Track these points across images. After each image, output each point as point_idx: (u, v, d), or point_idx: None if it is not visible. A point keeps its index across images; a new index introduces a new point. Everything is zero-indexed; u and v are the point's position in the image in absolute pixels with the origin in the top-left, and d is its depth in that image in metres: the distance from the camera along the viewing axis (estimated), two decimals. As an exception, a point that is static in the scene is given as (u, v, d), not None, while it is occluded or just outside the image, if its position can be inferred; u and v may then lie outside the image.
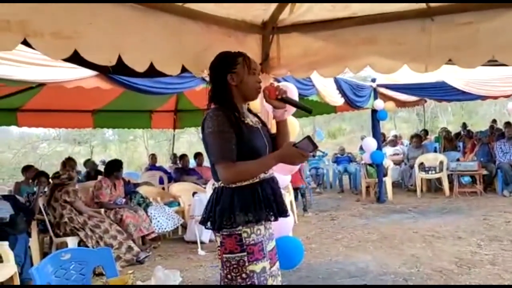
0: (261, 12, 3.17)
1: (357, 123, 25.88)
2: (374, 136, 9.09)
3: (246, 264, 2.02)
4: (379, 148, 8.97)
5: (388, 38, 3.11)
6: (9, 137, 20.19)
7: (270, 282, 2.10)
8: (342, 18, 3.16)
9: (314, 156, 11.54)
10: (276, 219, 2.14)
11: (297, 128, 3.99)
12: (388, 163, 9.53)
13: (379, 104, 8.82)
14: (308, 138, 1.96)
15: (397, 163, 10.38)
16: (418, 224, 6.51)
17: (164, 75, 2.87)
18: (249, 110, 2.27)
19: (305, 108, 2.19)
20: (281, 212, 2.15)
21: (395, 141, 11.87)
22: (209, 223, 2.09)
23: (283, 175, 3.67)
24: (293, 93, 3.58)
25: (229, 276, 2.05)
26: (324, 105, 7.91)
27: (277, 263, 2.25)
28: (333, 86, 7.35)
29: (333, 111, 10.08)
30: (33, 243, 5.06)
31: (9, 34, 1.94)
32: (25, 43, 2.04)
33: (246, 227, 2.03)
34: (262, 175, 2.09)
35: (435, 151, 10.75)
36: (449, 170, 8.94)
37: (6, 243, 4.23)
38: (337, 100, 7.56)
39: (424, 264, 4.60)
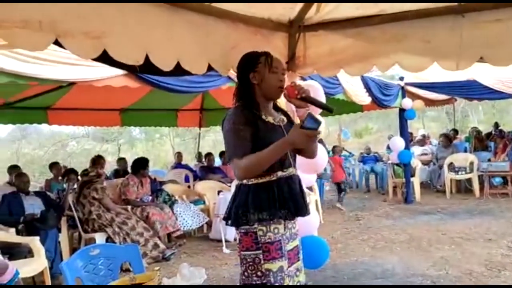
0: (287, 11, 3.15)
1: (384, 122, 25.54)
2: (402, 135, 8.94)
3: (262, 262, 2.05)
4: (407, 147, 8.82)
5: (417, 36, 3.05)
6: (40, 135, 20.73)
7: (286, 282, 2.10)
8: (370, 15, 3.12)
9: (339, 155, 11.44)
10: (292, 218, 2.14)
11: (323, 127, 3.96)
12: (416, 163, 9.37)
13: (407, 103, 8.67)
14: (310, 115, 1.93)
15: (425, 163, 10.20)
16: (447, 226, 6.38)
17: (190, 74, 2.88)
18: (277, 108, 2.27)
19: (327, 107, 2.16)
20: (299, 211, 2.14)
21: (423, 141, 11.68)
22: (229, 220, 2.15)
23: (307, 174, 3.65)
24: (318, 92, 3.55)
25: (245, 273, 2.09)
26: (350, 104, 7.83)
27: (297, 264, 2.23)
28: (360, 84, 7.27)
29: (360, 110, 9.98)
30: (63, 238, 5.17)
31: (41, 34, 1.99)
32: (56, 42, 2.08)
33: (262, 225, 2.05)
34: (280, 173, 2.10)
35: (465, 151, 10.50)
36: (480, 170, 8.74)
37: (37, 238, 4.34)
38: (364, 99, 7.48)
39: (453, 267, 4.50)
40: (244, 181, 2.11)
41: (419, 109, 9.42)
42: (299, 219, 2.24)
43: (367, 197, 9.96)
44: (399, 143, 8.69)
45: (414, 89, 9.02)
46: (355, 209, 8.36)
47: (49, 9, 2.00)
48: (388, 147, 10.70)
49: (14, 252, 4.27)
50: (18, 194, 5.25)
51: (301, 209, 2.15)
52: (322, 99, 3.61)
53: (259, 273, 2.05)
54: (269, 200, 2.05)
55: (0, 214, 4.98)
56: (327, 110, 2.15)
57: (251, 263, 2.07)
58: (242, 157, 1.98)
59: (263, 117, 2.12)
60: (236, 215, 2.09)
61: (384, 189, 10.11)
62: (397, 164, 9.06)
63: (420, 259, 4.85)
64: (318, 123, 1.91)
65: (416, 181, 8.97)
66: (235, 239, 5.86)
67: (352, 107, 8.87)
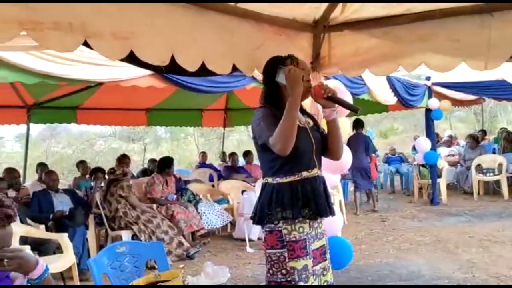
0: (312, 11, 3.14)
1: (410, 123, 25.10)
2: (428, 136, 8.80)
3: (287, 260, 2.08)
4: (433, 148, 8.68)
5: (445, 35, 3.00)
6: (69, 134, 21.16)
7: (311, 280, 2.12)
8: (397, 15, 3.08)
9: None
10: (315, 218, 2.15)
11: (347, 127, 3.94)
12: (442, 164, 9.20)
13: (433, 103, 8.53)
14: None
15: (452, 164, 10.00)
16: (475, 228, 6.25)
17: (215, 74, 2.91)
18: (302, 111, 2.29)
19: (353, 107, 2.17)
20: (321, 211, 2.14)
21: (450, 142, 11.46)
22: (253, 218, 2.21)
23: (332, 174, 3.64)
24: (343, 92, 3.54)
25: (270, 271, 2.13)
26: (375, 104, 7.75)
27: (324, 263, 2.24)
28: (385, 84, 7.18)
29: (385, 110, 9.86)
30: (90, 235, 5.27)
31: (71, 35, 2.04)
32: (85, 43, 2.14)
33: (286, 224, 2.09)
34: (305, 174, 2.13)
35: (494, 152, 10.26)
36: (509, 172, 8.53)
37: (66, 234, 4.45)
38: (389, 99, 7.39)
39: (480, 270, 4.41)
40: (269, 180, 2.15)
41: (446, 110, 9.25)
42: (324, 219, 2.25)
43: (392, 198, 9.84)
44: (425, 144, 8.55)
45: (441, 89, 8.87)
46: (380, 210, 8.26)
47: (79, 11, 2.05)
48: (414, 148, 10.53)
49: (44, 248, 4.39)
50: (48, 191, 5.40)
51: (324, 210, 2.15)
52: (348, 98, 3.59)
53: (283, 271, 2.08)
54: (292, 199, 2.08)
55: (31, 211, 5.13)
56: (353, 110, 2.17)
57: (276, 261, 2.10)
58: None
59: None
60: (260, 213, 2.14)
61: (410, 190, 9.96)
62: (423, 165, 8.92)
63: (446, 262, 4.77)
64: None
65: (442, 183, 8.81)
66: (259, 238, 5.89)
67: (377, 107, 8.77)
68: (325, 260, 2.26)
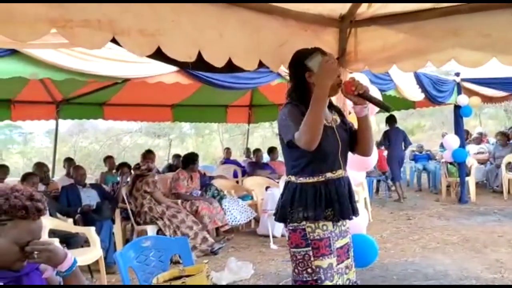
0: (339, 6, 3.11)
1: (438, 119, 24.64)
2: (457, 133, 8.61)
3: (312, 259, 2.06)
4: (462, 146, 8.50)
5: (475, 30, 2.93)
6: (96, 129, 21.55)
7: (335, 279, 2.10)
8: (425, 9, 3.02)
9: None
10: (337, 220, 2.11)
11: (373, 123, 3.89)
12: (471, 162, 9.00)
13: (463, 99, 8.34)
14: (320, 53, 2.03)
15: (481, 162, 9.77)
16: (504, 228, 6.10)
17: (242, 70, 2.91)
18: (330, 106, 2.24)
19: (384, 105, 2.10)
20: (344, 213, 2.10)
21: (479, 139, 11.19)
22: (275, 215, 2.19)
23: (358, 171, 3.60)
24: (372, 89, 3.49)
25: (296, 270, 2.11)
26: (402, 101, 7.63)
27: (347, 261, 2.21)
28: (412, 80, 7.06)
29: (412, 106, 9.69)
30: (117, 229, 5.36)
31: (100, 33, 2.07)
32: (113, 40, 2.17)
33: (310, 222, 2.06)
34: (329, 175, 2.09)
35: (525, 150, 9.97)
36: (541, 171, 8.29)
37: (93, 228, 4.53)
38: (416, 95, 7.26)
39: (509, 270, 4.30)
40: (293, 179, 2.12)
41: (476, 106, 9.04)
42: None
43: (419, 196, 9.68)
44: (453, 141, 8.37)
45: (471, 85, 8.65)
46: (406, 208, 8.14)
47: (108, 9, 2.08)
48: (442, 145, 10.33)
49: (72, 241, 4.47)
50: (76, 186, 5.52)
51: (346, 212, 2.12)
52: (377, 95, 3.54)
53: (309, 270, 2.06)
54: (315, 200, 2.05)
55: (59, 205, 5.25)
56: (384, 108, 2.11)
57: (301, 260, 2.08)
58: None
59: None
60: (282, 211, 2.12)
61: (437, 189, 9.78)
62: (451, 163, 8.75)
63: (474, 262, 4.67)
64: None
65: (471, 181, 8.62)
66: (282, 235, 5.88)
67: (403, 103, 8.63)
68: (348, 258, 2.23)
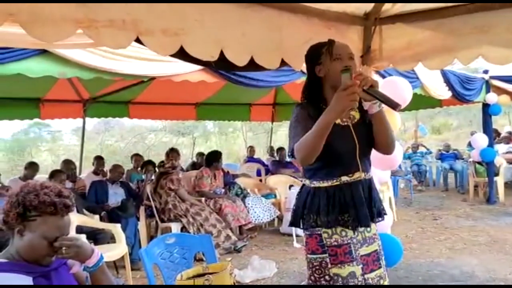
0: (363, 4, 3.08)
1: (465, 118, 24.12)
2: (485, 132, 8.43)
3: (329, 266, 1.93)
4: (490, 145, 8.30)
5: (503, 26, 2.86)
6: (122, 127, 21.89)
7: None
8: (452, 6, 2.96)
9: (415, 152, 11.04)
10: (354, 228, 1.95)
11: (398, 122, 3.84)
12: (500, 161, 8.79)
13: (491, 97, 8.15)
14: (347, 70, 1.77)
15: (511, 162, 9.53)
16: (534, 229, 5.95)
17: (264, 69, 2.91)
18: None
19: (391, 103, 1.84)
20: (361, 220, 1.93)
21: (509, 138, 10.90)
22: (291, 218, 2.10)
23: (382, 170, 3.56)
24: (399, 90, 3.46)
25: (312, 277, 1.99)
26: (428, 99, 7.49)
27: (379, 271, 2.02)
28: (439, 78, 6.93)
29: (438, 105, 9.50)
30: (142, 226, 5.44)
31: (124, 32, 2.11)
32: (137, 40, 2.20)
33: (327, 227, 1.93)
34: (344, 178, 1.94)
35: (556, 149, 9.69)
36: None
37: (118, 225, 4.60)
38: (443, 93, 7.13)
39: (540, 273, 4.20)
40: (307, 182, 2.01)
41: (505, 104, 8.81)
42: None
43: (445, 196, 9.51)
44: (481, 140, 8.20)
45: (500, 83, 8.42)
46: (432, 208, 8.01)
47: (132, 9, 2.12)
48: (469, 144, 10.12)
49: (98, 237, 4.56)
50: (105, 182, 5.64)
51: (364, 219, 1.94)
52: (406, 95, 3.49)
53: (327, 277, 1.93)
54: (328, 205, 1.92)
55: (88, 200, 5.36)
56: (392, 106, 1.84)
57: (317, 267, 1.96)
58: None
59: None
60: (295, 216, 2.02)
61: (464, 188, 9.60)
62: (479, 163, 8.57)
63: (502, 263, 4.56)
64: (348, 67, 1.77)
65: (500, 181, 8.42)
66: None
67: (430, 101, 8.48)
68: (380, 267, 2.04)
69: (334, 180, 1.95)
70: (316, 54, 2.02)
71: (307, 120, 1.90)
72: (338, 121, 1.95)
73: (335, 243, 1.93)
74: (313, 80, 2.05)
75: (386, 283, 2.06)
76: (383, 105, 1.90)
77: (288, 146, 1.97)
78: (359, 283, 1.92)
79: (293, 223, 2.05)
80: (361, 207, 1.95)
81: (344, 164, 1.96)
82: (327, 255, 1.94)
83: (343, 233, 1.94)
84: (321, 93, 2.03)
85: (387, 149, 2.07)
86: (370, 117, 2.00)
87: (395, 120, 3.71)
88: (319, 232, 1.95)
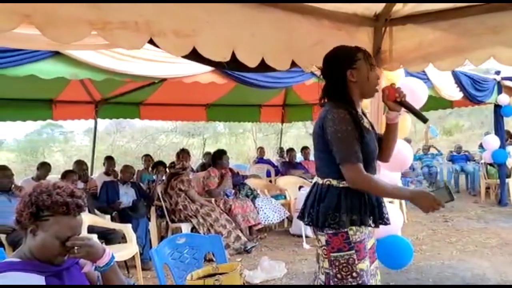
0: (374, 4, 3.07)
1: (477, 119, 23.88)
2: (497, 133, 8.35)
3: (356, 262, 1.97)
4: (502, 146, 8.22)
5: (516, 27, 2.84)
6: (133, 128, 22.02)
7: (372, 281, 2.06)
8: (464, 7, 2.95)
9: (425, 153, 10.97)
10: (376, 226, 2.07)
11: (408, 124, 3.82)
12: (512, 163, 8.72)
13: (503, 98, 8.07)
14: (447, 188, 1.93)
15: (523, 163, 9.43)
16: (546, 232, 5.88)
17: (275, 70, 2.92)
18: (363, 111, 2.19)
19: (422, 117, 2.05)
20: (381, 219, 2.08)
21: (521, 140, 10.79)
22: (308, 219, 2.07)
23: (392, 172, 3.55)
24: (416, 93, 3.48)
25: (338, 275, 1.99)
26: (438, 100, 7.44)
27: (376, 262, 2.20)
28: (450, 79, 6.88)
29: (449, 106, 9.43)
30: (152, 227, 5.46)
31: (137, 34, 2.13)
32: (150, 41, 2.22)
33: (359, 225, 2.00)
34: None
35: None
36: None
37: (129, 225, 4.63)
38: (454, 94, 7.07)
39: (553, 276, 4.15)
40: (334, 182, 2.02)
41: (517, 106, 8.73)
42: None
43: (456, 198, 9.36)
44: (493, 141, 8.13)
45: (512, 83, 8.36)
46: (443, 210, 7.88)
47: (145, 10, 2.14)
48: (481, 146, 10.03)
49: (110, 237, 4.59)
50: (117, 182, 5.68)
51: (382, 218, 2.09)
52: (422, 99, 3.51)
53: (354, 274, 1.97)
54: (360, 205, 1.99)
55: (99, 200, 5.40)
56: (421, 119, 2.05)
57: (344, 265, 1.97)
58: (358, 162, 1.93)
59: (361, 120, 2.03)
60: (324, 216, 1.99)
61: (476, 190, 9.52)
62: (490, 164, 8.49)
63: (514, 266, 4.53)
64: (451, 199, 1.91)
65: (511, 183, 8.34)
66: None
67: (441, 103, 8.41)
68: (376, 259, 2.21)
69: None
70: (350, 59, 2.03)
71: (354, 130, 1.94)
72: (367, 125, 2.07)
73: (359, 239, 2.00)
74: (340, 83, 2.05)
75: (379, 273, 2.20)
76: (398, 117, 2.10)
77: (338, 156, 1.96)
78: (369, 275, 2.03)
79: (323, 223, 2.00)
80: (383, 207, 2.10)
81: (372, 166, 2.07)
82: (354, 251, 1.98)
83: (362, 229, 2.02)
84: (349, 97, 2.04)
85: (388, 157, 2.24)
86: (388, 125, 2.14)
87: (406, 123, 3.70)
88: (345, 230, 1.98)
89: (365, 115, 2.16)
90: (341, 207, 1.97)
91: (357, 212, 1.98)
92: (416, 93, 3.63)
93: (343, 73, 2.02)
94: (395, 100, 2.02)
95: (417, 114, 2.05)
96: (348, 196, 1.98)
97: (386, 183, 1.98)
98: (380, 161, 2.23)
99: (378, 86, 2.08)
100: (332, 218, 1.97)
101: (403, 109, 2.10)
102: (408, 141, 4.45)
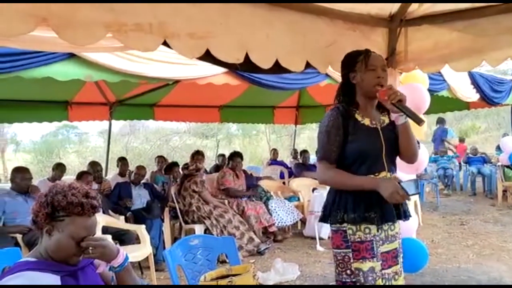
0: (388, 5, 3.05)
1: (494, 121, 23.56)
2: (514, 135, 8.23)
3: (351, 260, 2.05)
4: (520, 148, 8.10)
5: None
6: (147, 130, 22.18)
7: (379, 283, 2.06)
8: (481, 6, 2.90)
9: (442, 155, 10.83)
10: (379, 224, 2.07)
11: (424, 128, 3.78)
12: (530, 165, 8.57)
13: (521, 100, 7.95)
14: (415, 181, 1.99)
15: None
16: None
17: (289, 71, 2.91)
18: (380, 107, 2.20)
19: (416, 118, 2.04)
20: (387, 217, 2.07)
21: (539, 142, 10.61)
22: (321, 216, 2.21)
23: (407, 173, 3.51)
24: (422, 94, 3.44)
25: (336, 270, 2.12)
26: (455, 101, 7.35)
27: (395, 267, 2.16)
28: (466, 80, 6.79)
29: (466, 107, 9.33)
30: (166, 228, 5.48)
31: (152, 36, 2.15)
32: (164, 43, 2.23)
33: (351, 224, 2.05)
34: (372, 176, 2.08)
35: None
36: None
37: (143, 226, 4.65)
38: (470, 95, 6.98)
39: None
40: None
41: (536, 107, 8.60)
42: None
43: (473, 200, 9.30)
44: (510, 143, 8.00)
45: (530, 85, 8.22)
46: (459, 212, 7.85)
47: (159, 12, 2.15)
48: (498, 148, 9.89)
49: (124, 238, 4.62)
50: (129, 184, 5.71)
51: (390, 215, 2.08)
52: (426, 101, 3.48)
53: (348, 272, 2.06)
54: (354, 203, 2.05)
55: (110, 200, 5.44)
56: (416, 121, 2.05)
57: (340, 261, 2.09)
58: (328, 162, 2.08)
59: (359, 118, 2.11)
60: (323, 212, 2.16)
61: (492, 193, 9.37)
62: (507, 166, 8.36)
63: (532, 270, 4.45)
64: (417, 193, 1.99)
65: (530, 185, 8.21)
66: (329, 237, 5.81)
67: (457, 104, 8.32)
68: (397, 264, 2.17)
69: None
70: (352, 62, 2.16)
71: (338, 130, 2.07)
72: (367, 122, 2.11)
73: (358, 240, 2.06)
74: (347, 85, 2.19)
75: (401, 278, 2.20)
76: (403, 117, 2.10)
77: (317, 149, 2.13)
78: (377, 277, 2.05)
79: (322, 219, 2.18)
80: (386, 204, 2.05)
81: (370, 163, 2.08)
82: (350, 250, 2.06)
83: (367, 231, 2.06)
84: (353, 98, 2.16)
85: (409, 159, 2.23)
86: (397, 127, 2.16)
87: (421, 127, 3.66)
88: (344, 229, 2.07)
89: (389, 112, 2.18)
90: (336, 204, 2.09)
91: (351, 211, 2.04)
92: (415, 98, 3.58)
93: (347, 76, 2.18)
94: (388, 102, 2.03)
95: (412, 117, 2.06)
96: (343, 194, 2.09)
97: (352, 177, 2.05)
98: (405, 162, 2.24)
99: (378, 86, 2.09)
100: (333, 215, 2.09)
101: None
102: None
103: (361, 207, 2.04)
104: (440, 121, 11.69)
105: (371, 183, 2.02)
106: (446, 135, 11.61)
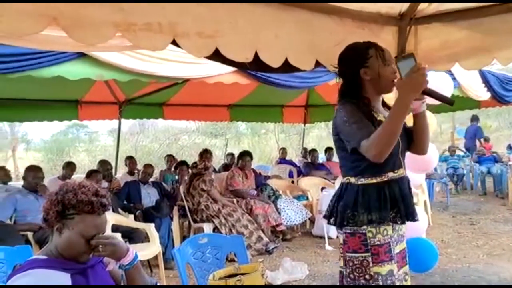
0: (398, 4, 3.03)
1: (505, 120, 23.37)
2: (526, 134, 8.14)
3: (370, 265, 1.95)
4: (531, 148, 8.02)
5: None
6: (156, 129, 22.27)
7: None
8: (492, 4, 2.88)
9: (452, 155, 10.76)
10: (403, 222, 2.01)
11: (434, 124, 3.76)
12: (541, 165, 8.48)
13: (532, 99, 7.86)
14: (412, 55, 1.85)
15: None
16: None
17: (298, 70, 2.90)
18: (384, 104, 2.15)
19: (446, 99, 1.94)
20: (409, 215, 2.00)
21: (551, 141, 10.51)
22: (332, 219, 2.08)
23: (416, 173, 3.49)
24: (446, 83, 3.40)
25: (351, 275, 2.00)
26: (466, 100, 7.30)
27: (405, 268, 2.12)
28: (477, 79, 6.74)
29: (477, 106, 9.24)
30: (175, 226, 5.50)
31: (161, 35, 2.16)
32: (173, 42, 2.24)
33: (371, 226, 1.95)
34: (391, 174, 1.98)
35: None
36: None
37: (152, 225, 4.68)
38: (481, 94, 6.93)
39: None
40: (352, 180, 2.01)
41: (547, 106, 8.50)
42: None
43: (483, 200, 9.22)
44: (521, 143, 7.92)
45: (542, 83, 8.13)
46: (469, 212, 7.79)
47: (168, 12, 2.16)
48: (509, 147, 9.80)
49: (133, 236, 4.65)
50: (138, 183, 5.74)
51: (412, 213, 2.01)
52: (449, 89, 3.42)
53: (367, 276, 1.95)
54: (379, 201, 1.95)
55: (119, 199, 5.47)
56: (447, 102, 1.94)
57: (358, 266, 1.97)
58: (369, 136, 1.85)
59: (375, 115, 2.00)
60: (342, 214, 1.99)
61: (503, 193, 9.27)
62: (519, 166, 8.28)
63: (543, 271, 4.40)
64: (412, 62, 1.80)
65: (541, 185, 8.12)
66: (337, 237, 5.79)
67: (467, 103, 8.25)
68: (406, 264, 2.14)
69: (383, 176, 1.98)
70: (363, 57, 2.02)
71: (361, 116, 1.93)
72: (382, 119, 1.98)
73: (378, 243, 1.96)
74: (354, 82, 2.06)
75: (409, 278, 2.14)
76: (424, 104, 2.00)
77: (351, 142, 1.93)
78: (396, 281, 1.98)
79: (338, 221, 2.02)
80: (409, 201, 2.01)
81: (391, 161, 1.98)
82: (369, 254, 1.96)
83: (385, 232, 1.97)
84: (363, 95, 2.04)
85: (423, 149, 2.15)
86: (414, 116, 2.06)
87: (432, 121, 3.63)
88: (363, 231, 1.96)
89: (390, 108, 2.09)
90: (358, 205, 1.96)
91: (376, 210, 1.93)
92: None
93: (357, 72, 2.03)
94: None
95: (442, 98, 1.94)
96: (366, 193, 1.96)
97: (386, 122, 1.84)
98: (417, 154, 2.16)
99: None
100: (351, 217, 1.96)
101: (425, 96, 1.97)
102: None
103: (387, 205, 1.94)
104: (475, 119, 11.46)
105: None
106: (482, 134, 11.48)
